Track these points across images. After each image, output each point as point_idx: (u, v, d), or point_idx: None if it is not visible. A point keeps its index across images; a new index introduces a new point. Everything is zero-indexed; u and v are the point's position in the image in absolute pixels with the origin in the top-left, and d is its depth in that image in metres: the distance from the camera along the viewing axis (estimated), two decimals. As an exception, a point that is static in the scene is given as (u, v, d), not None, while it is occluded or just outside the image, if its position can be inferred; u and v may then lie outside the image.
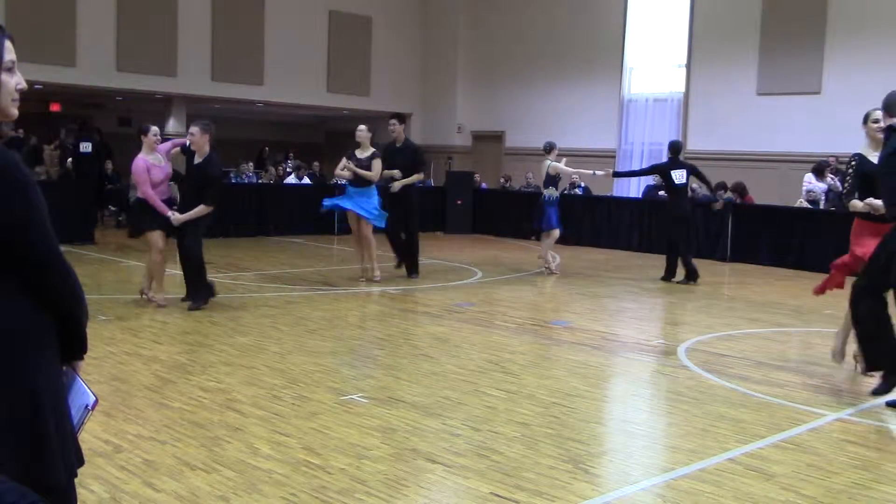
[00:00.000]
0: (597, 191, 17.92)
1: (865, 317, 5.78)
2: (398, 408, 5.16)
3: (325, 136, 27.94)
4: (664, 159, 13.04)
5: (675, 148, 11.54)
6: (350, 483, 3.91)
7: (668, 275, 11.47)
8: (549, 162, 11.62)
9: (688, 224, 11.48)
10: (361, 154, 10.23)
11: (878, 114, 5.99)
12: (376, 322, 8.15)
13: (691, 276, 11.27)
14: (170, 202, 8.32)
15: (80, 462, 2.19)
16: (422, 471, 4.12)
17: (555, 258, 12.16)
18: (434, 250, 14.59)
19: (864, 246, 6.09)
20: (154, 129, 8.36)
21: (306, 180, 18.45)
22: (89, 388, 2.24)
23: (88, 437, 4.30)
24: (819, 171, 14.15)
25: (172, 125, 18.90)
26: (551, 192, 11.75)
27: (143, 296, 8.49)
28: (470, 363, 6.40)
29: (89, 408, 2.21)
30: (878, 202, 5.79)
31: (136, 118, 22.85)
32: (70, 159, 16.92)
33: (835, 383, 6.19)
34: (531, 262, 13.44)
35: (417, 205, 11.11)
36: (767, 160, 16.01)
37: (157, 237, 8.17)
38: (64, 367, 2.18)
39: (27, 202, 1.98)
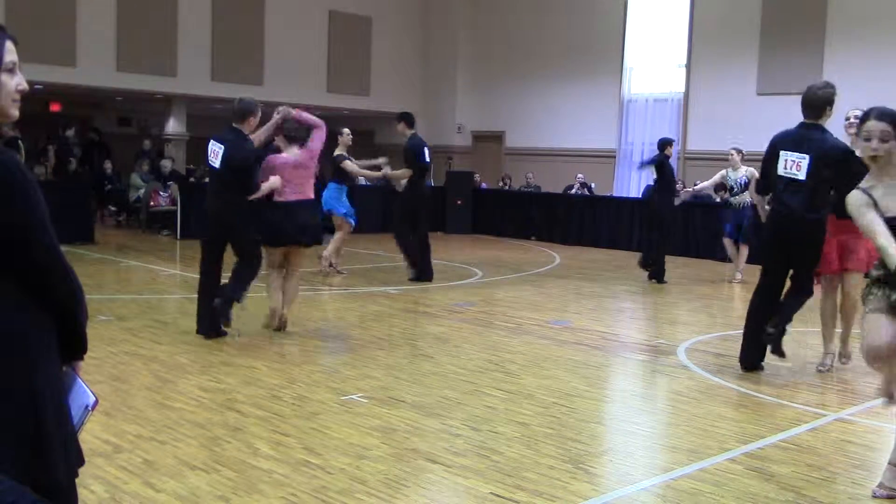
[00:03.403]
0: (597, 190, 17.92)
1: None
2: (398, 408, 5.16)
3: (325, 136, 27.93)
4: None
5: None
6: (350, 483, 3.91)
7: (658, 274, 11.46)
8: (747, 168, 11.19)
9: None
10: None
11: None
12: (376, 322, 8.14)
13: (655, 275, 11.41)
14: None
15: (80, 462, 2.19)
16: (422, 471, 4.12)
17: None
18: (434, 250, 14.56)
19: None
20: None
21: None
22: (89, 388, 2.24)
23: (88, 437, 4.30)
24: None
25: (172, 125, 18.88)
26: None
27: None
28: (470, 363, 6.40)
29: (89, 408, 2.21)
30: None
31: (136, 118, 22.89)
32: (72, 159, 16.95)
33: (835, 383, 6.19)
34: (531, 261, 13.44)
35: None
36: (767, 160, 15.97)
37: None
38: (64, 368, 2.19)
39: (27, 202, 1.97)
